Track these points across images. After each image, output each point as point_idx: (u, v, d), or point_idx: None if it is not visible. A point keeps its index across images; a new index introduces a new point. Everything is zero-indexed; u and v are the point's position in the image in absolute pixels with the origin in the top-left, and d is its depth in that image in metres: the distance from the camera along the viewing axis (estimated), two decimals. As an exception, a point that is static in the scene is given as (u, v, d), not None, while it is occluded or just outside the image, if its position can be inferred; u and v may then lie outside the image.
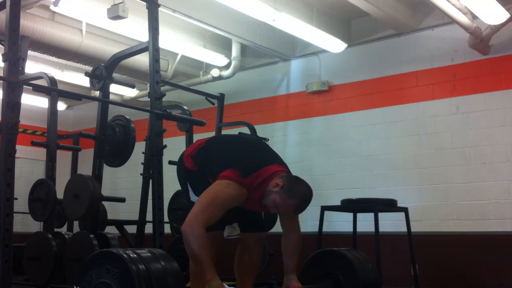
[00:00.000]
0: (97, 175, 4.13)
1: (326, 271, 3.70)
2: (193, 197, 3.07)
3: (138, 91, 7.71)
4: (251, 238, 3.23)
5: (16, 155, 3.10)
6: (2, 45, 3.25)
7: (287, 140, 6.75)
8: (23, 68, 4.18)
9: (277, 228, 3.65)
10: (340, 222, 5.65)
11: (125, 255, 2.43)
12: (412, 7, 5.82)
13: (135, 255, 2.46)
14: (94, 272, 2.48)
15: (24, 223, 7.58)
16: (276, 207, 2.88)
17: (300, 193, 2.85)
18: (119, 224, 4.60)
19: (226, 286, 3.29)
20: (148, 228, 4.01)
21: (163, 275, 2.46)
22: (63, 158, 6.44)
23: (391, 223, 5.32)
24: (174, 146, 5.27)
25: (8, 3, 3.16)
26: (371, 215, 4.52)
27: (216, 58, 6.70)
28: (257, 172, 2.86)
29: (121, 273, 2.40)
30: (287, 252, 3.13)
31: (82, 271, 2.54)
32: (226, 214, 2.86)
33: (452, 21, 4.97)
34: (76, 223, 5.17)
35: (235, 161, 2.91)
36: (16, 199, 3.29)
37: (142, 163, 4.74)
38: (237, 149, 3.13)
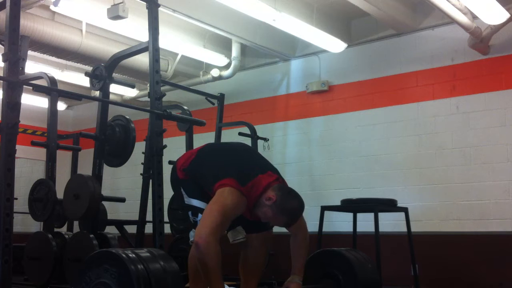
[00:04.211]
0: (97, 175, 4.12)
1: (326, 271, 3.71)
2: (187, 199, 3.08)
3: (138, 91, 7.71)
4: (256, 239, 3.23)
5: (16, 155, 3.10)
6: (2, 45, 3.24)
7: (287, 140, 6.75)
8: (23, 68, 4.18)
9: (278, 228, 3.64)
10: (340, 222, 5.65)
11: (123, 255, 2.43)
12: (412, 7, 5.83)
13: (133, 255, 2.46)
14: (93, 272, 2.49)
15: (24, 223, 7.58)
16: (267, 219, 2.94)
17: (290, 209, 2.89)
18: (119, 224, 4.59)
19: (226, 286, 3.30)
20: (148, 228, 4.01)
21: (162, 275, 2.46)
22: (63, 158, 6.44)
23: (391, 223, 5.31)
24: (174, 146, 5.27)
25: (8, 3, 3.15)
26: (371, 215, 4.52)
27: (216, 58, 6.70)
28: (252, 181, 2.87)
29: (119, 273, 2.40)
30: (293, 253, 3.16)
31: (81, 271, 2.55)
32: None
33: (452, 21, 4.97)
34: (76, 223, 5.16)
35: (230, 170, 2.91)
36: (16, 199, 3.29)
37: (142, 163, 4.74)
38: (230, 157, 3.11)
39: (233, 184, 2.81)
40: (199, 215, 2.96)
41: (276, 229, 3.38)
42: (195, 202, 3.02)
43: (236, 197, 2.80)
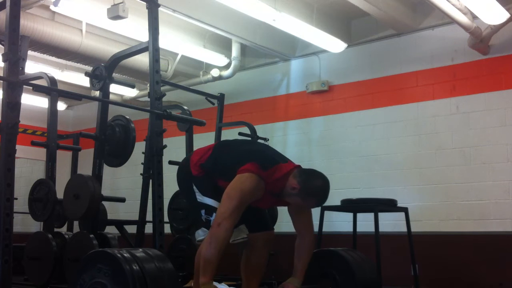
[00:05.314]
0: (97, 175, 4.11)
1: (323, 271, 3.71)
2: (200, 198, 3.10)
3: (138, 91, 7.71)
4: (260, 239, 3.23)
5: (16, 155, 3.10)
6: (2, 45, 3.24)
7: (287, 140, 6.75)
8: (23, 68, 4.17)
9: (278, 228, 3.65)
10: (340, 222, 5.65)
11: (117, 254, 2.43)
12: (412, 7, 5.83)
13: (127, 254, 2.46)
14: (87, 273, 2.49)
15: (24, 223, 7.58)
16: (300, 205, 3.02)
17: (317, 190, 2.95)
18: (119, 224, 4.59)
19: (226, 286, 3.30)
20: (148, 228, 4.01)
21: (157, 275, 2.46)
22: (63, 158, 6.44)
23: (391, 223, 5.31)
24: (174, 146, 5.28)
25: (8, 3, 3.15)
26: (371, 215, 4.51)
27: (216, 58, 6.70)
28: (275, 167, 2.93)
29: (113, 271, 2.40)
30: (298, 254, 3.16)
31: (77, 272, 2.55)
32: None
33: (452, 21, 4.97)
34: (76, 223, 5.16)
35: (252, 156, 2.97)
36: (16, 199, 3.29)
37: (142, 163, 4.73)
38: (250, 147, 3.22)
39: (253, 169, 2.86)
40: (214, 214, 2.97)
41: (276, 229, 3.39)
42: (209, 201, 3.05)
43: (254, 182, 2.86)
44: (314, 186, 2.94)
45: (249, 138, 5.99)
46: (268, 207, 3.21)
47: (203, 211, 3.10)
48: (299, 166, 3.05)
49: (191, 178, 3.14)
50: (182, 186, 3.26)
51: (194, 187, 3.11)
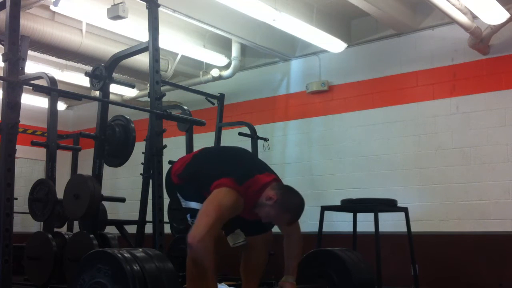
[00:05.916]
0: (97, 175, 4.11)
1: (320, 270, 3.72)
2: (185, 203, 3.08)
3: (138, 91, 7.72)
4: (259, 239, 3.22)
5: (16, 155, 3.10)
6: (2, 45, 3.24)
7: (287, 140, 6.75)
8: (23, 68, 4.16)
9: (278, 228, 3.64)
10: (340, 222, 5.65)
11: (118, 255, 2.43)
12: (412, 7, 5.83)
13: (127, 254, 2.46)
14: (88, 273, 2.49)
15: (24, 223, 7.57)
16: (270, 219, 2.92)
17: (293, 206, 2.89)
18: (119, 224, 4.58)
19: (226, 286, 3.30)
20: (148, 228, 4.01)
21: (157, 275, 2.46)
22: (63, 158, 6.44)
23: (391, 223, 5.31)
24: (174, 146, 5.28)
25: (8, 3, 3.15)
26: (371, 215, 4.51)
27: (216, 58, 6.70)
28: (250, 180, 2.87)
29: (113, 271, 2.40)
30: (287, 253, 3.16)
31: (77, 272, 2.55)
32: (227, 222, 2.86)
33: (452, 21, 4.97)
34: (76, 223, 5.16)
35: (228, 170, 2.90)
36: (16, 199, 3.28)
37: (142, 163, 4.74)
38: (227, 158, 3.14)
39: (230, 184, 2.79)
40: None
41: (276, 229, 3.38)
42: (194, 205, 3.02)
43: (233, 197, 2.79)
44: (292, 201, 2.88)
45: (249, 138, 6.00)
46: (252, 219, 3.16)
47: (188, 215, 3.07)
48: (276, 179, 2.99)
49: (172, 185, 3.13)
50: (168, 193, 3.26)
51: (178, 194, 3.10)
